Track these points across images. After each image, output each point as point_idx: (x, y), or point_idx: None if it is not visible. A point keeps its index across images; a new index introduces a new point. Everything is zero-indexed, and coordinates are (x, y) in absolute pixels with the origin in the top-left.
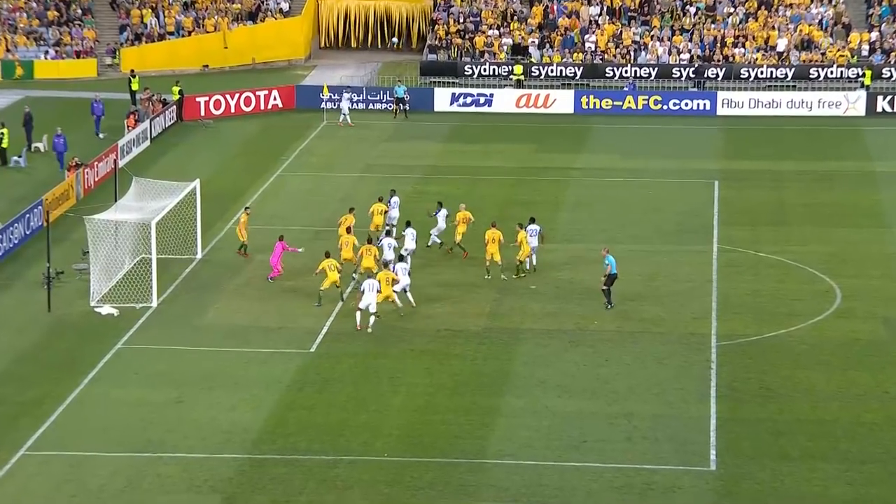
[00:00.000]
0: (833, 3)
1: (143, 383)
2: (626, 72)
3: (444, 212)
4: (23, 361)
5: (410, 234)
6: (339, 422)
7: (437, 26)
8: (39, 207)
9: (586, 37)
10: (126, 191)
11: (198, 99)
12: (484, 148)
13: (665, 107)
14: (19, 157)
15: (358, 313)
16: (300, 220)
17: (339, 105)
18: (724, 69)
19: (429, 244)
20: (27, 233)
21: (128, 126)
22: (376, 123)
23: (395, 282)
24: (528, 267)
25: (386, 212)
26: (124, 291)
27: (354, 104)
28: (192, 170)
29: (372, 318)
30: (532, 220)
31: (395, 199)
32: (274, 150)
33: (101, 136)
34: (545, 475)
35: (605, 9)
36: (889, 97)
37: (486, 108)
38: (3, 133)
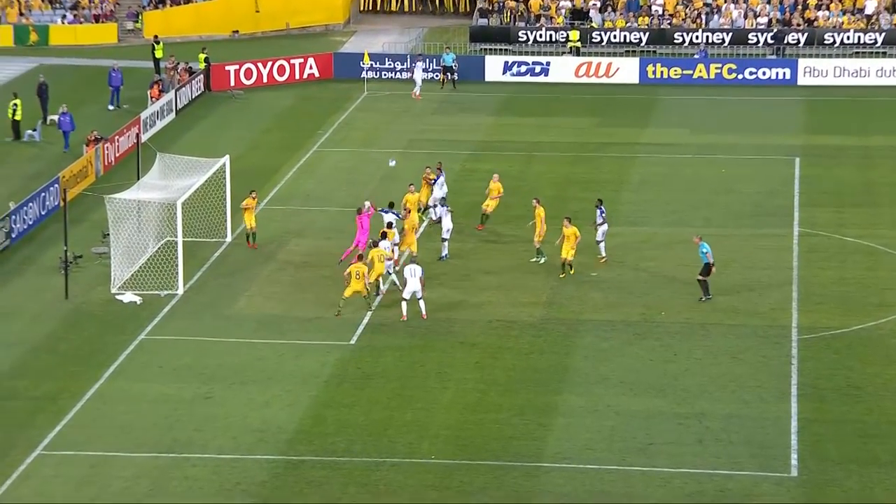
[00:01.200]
0: None
1: (168, 378)
2: (697, 37)
3: (441, 178)
4: (38, 353)
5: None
6: (381, 421)
7: None
8: (56, 185)
9: None
10: (149, 168)
11: (227, 68)
12: (539, 122)
13: (740, 76)
14: (34, 130)
15: (403, 304)
16: (338, 200)
17: (412, 75)
18: (805, 34)
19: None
20: (42, 213)
21: (151, 97)
22: (422, 94)
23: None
24: (567, 268)
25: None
26: (148, 277)
27: (427, 74)
28: (220, 145)
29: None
30: (600, 203)
31: (442, 178)
32: (310, 124)
33: (110, 107)
34: (608, 481)
35: None
36: None
37: (541, 78)
38: (16, 104)
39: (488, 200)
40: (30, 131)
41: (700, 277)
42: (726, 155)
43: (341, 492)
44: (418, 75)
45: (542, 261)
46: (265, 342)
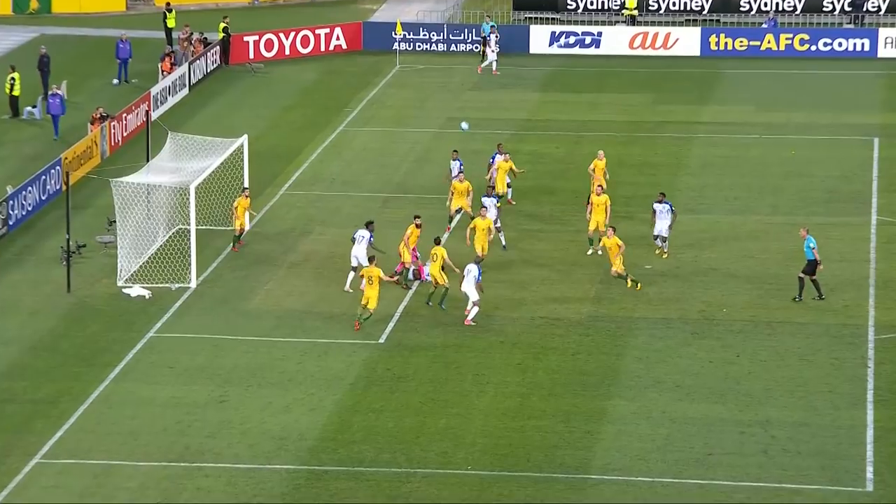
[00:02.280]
0: None
1: (179, 379)
2: (766, 4)
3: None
4: (37, 352)
5: (490, 202)
6: (412, 427)
7: None
8: (58, 168)
9: None
10: (160, 149)
11: (245, 39)
12: (589, 98)
13: (813, 48)
14: (34, 107)
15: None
16: (367, 184)
17: (483, 47)
18: (887, 1)
19: None
20: (43, 198)
21: (162, 71)
22: (459, 68)
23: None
24: (632, 283)
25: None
26: (158, 269)
27: (497, 47)
28: (238, 124)
29: (473, 308)
30: (662, 196)
31: (504, 156)
32: (336, 101)
33: (116, 82)
34: (662, 495)
35: None
36: None
37: (592, 50)
38: (13, 78)
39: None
40: (29, 108)
41: (801, 274)
42: (797, 135)
43: None
44: (491, 48)
45: (601, 252)
46: (286, 341)
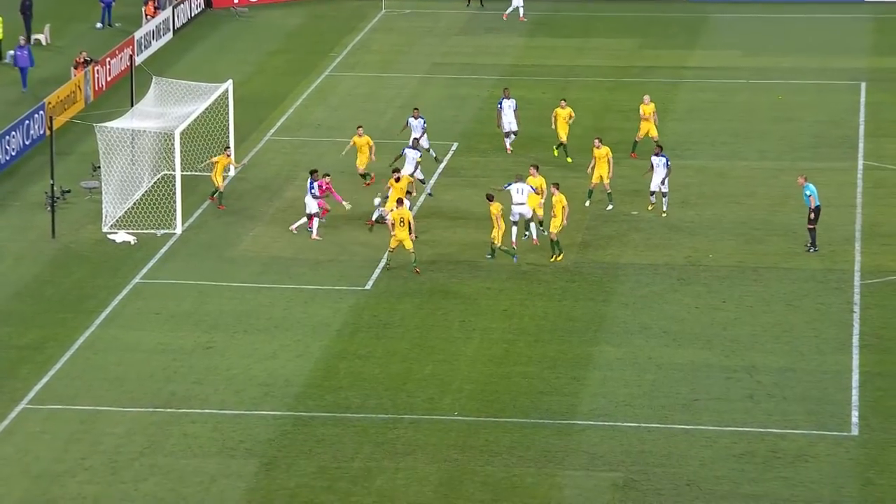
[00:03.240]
0: None
1: (165, 325)
2: None
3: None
4: (22, 298)
5: (413, 154)
6: (399, 374)
7: None
8: (41, 112)
9: None
10: (144, 94)
11: None
12: (577, 43)
13: None
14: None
15: (514, 228)
16: (352, 130)
17: None
18: None
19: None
20: (27, 143)
21: (146, 15)
22: (445, 13)
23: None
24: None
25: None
26: (143, 215)
27: None
28: (223, 69)
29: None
30: (660, 149)
31: (511, 101)
32: (321, 45)
33: (99, 26)
34: (648, 440)
35: None
36: None
37: None
38: None
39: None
40: (12, 52)
41: (810, 226)
42: (783, 80)
43: (355, 451)
44: None
45: (610, 208)
46: (271, 287)
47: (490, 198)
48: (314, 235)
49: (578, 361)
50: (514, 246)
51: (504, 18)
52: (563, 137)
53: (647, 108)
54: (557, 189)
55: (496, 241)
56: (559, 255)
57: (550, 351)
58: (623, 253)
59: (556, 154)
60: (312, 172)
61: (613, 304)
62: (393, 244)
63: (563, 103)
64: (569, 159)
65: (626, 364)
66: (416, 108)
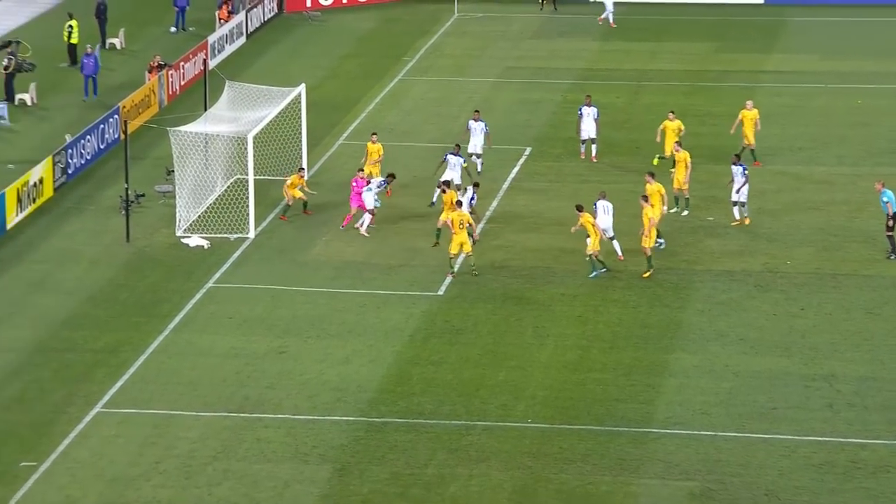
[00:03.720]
0: None
1: (238, 330)
2: None
3: (458, 160)
4: (97, 302)
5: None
6: (472, 380)
7: None
8: (116, 117)
9: None
10: (217, 98)
11: None
12: (650, 47)
13: None
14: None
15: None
16: (425, 134)
17: None
18: None
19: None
20: (101, 147)
21: (220, 19)
22: (518, 17)
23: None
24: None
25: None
26: (216, 219)
27: None
28: (295, 73)
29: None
30: (737, 158)
31: (593, 109)
32: (394, 49)
33: (173, 30)
34: (725, 449)
35: None
36: None
37: None
38: (71, 26)
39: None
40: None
41: (889, 233)
42: (862, 84)
43: (428, 458)
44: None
45: (685, 213)
46: (344, 292)
47: (580, 208)
48: (363, 230)
49: (654, 369)
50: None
51: (599, 22)
52: (670, 151)
53: (751, 114)
54: (646, 202)
55: (589, 250)
56: (649, 271)
57: (625, 358)
58: (699, 259)
59: (655, 163)
60: (389, 175)
61: (689, 310)
62: (454, 249)
63: (671, 115)
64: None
65: (702, 372)
66: (476, 111)
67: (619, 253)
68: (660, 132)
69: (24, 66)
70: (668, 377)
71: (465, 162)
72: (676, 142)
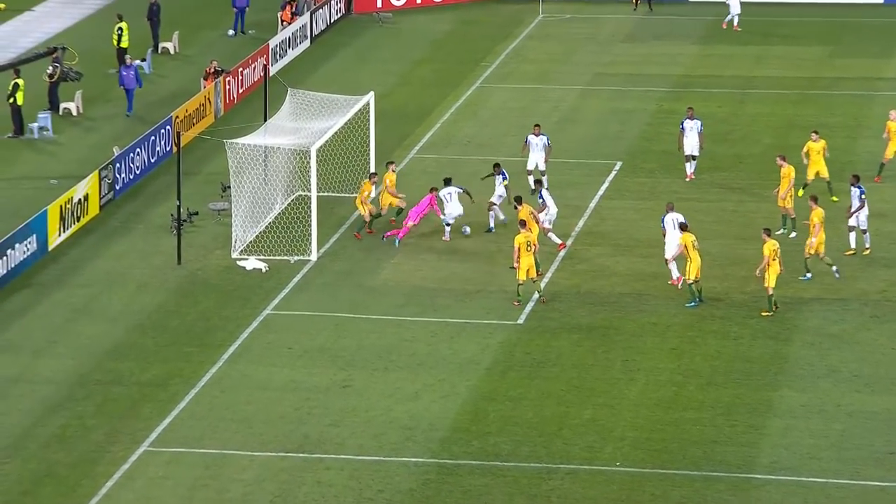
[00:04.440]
0: None
1: (297, 361)
2: None
3: (501, 177)
4: (145, 329)
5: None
6: (555, 418)
7: None
8: (168, 128)
9: None
10: (279, 107)
11: None
12: (756, 51)
13: None
14: (143, 60)
15: (672, 265)
16: (505, 147)
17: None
18: None
19: (490, 227)
20: (152, 161)
21: (282, 21)
22: (609, 18)
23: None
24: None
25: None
26: (275, 240)
27: None
28: (364, 79)
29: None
30: (856, 179)
31: (696, 122)
32: (472, 54)
33: (231, 33)
34: (836, 497)
35: None
36: None
37: None
38: (121, 28)
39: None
40: (138, 62)
41: None
42: None
43: (506, 503)
44: (735, 1)
45: (793, 235)
46: (414, 320)
47: (683, 227)
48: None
49: (757, 408)
50: (678, 283)
51: (723, 27)
52: (813, 175)
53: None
54: (769, 235)
55: (689, 276)
56: (770, 310)
57: (725, 395)
58: (808, 286)
59: (800, 194)
60: (447, 180)
61: (797, 343)
62: (521, 276)
63: (814, 136)
64: (834, 198)
65: (811, 411)
66: (536, 125)
67: (675, 275)
68: (804, 154)
69: (70, 74)
70: (772, 417)
71: (506, 181)
72: (780, 155)
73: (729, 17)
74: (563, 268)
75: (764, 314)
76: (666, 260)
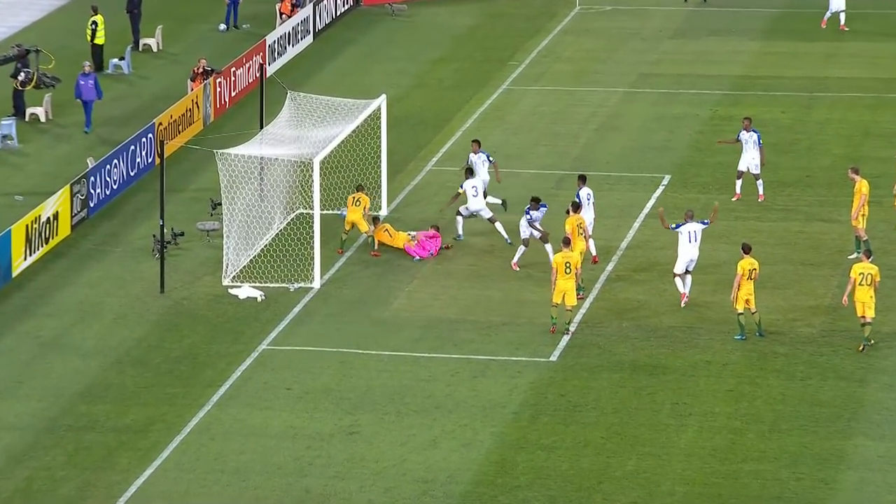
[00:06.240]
0: None
1: (298, 404)
2: None
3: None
4: (123, 367)
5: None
6: (593, 470)
7: None
8: (150, 135)
9: None
10: (277, 112)
11: None
12: (826, 48)
13: None
14: (121, 59)
15: (677, 280)
16: (537, 158)
17: None
18: None
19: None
20: (132, 174)
21: (281, 13)
22: (656, 10)
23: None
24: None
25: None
26: (273, 265)
27: None
28: (374, 81)
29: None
30: None
31: (753, 133)
32: (498, 52)
33: (222, 27)
34: None
35: None
36: None
37: None
38: (96, 23)
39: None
40: (115, 60)
41: None
42: None
43: None
44: None
45: (853, 257)
46: (432, 357)
47: (746, 249)
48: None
49: (827, 459)
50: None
51: (823, 26)
52: None
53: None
54: (869, 257)
55: (738, 307)
56: (866, 345)
57: (790, 444)
58: (886, 319)
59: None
60: (534, 200)
61: (873, 384)
62: (556, 299)
63: None
64: None
65: (889, 463)
66: (475, 141)
67: (686, 292)
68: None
69: (44, 80)
70: (845, 469)
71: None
72: (853, 167)
73: (828, 13)
74: (604, 296)
75: (861, 350)
76: (674, 274)
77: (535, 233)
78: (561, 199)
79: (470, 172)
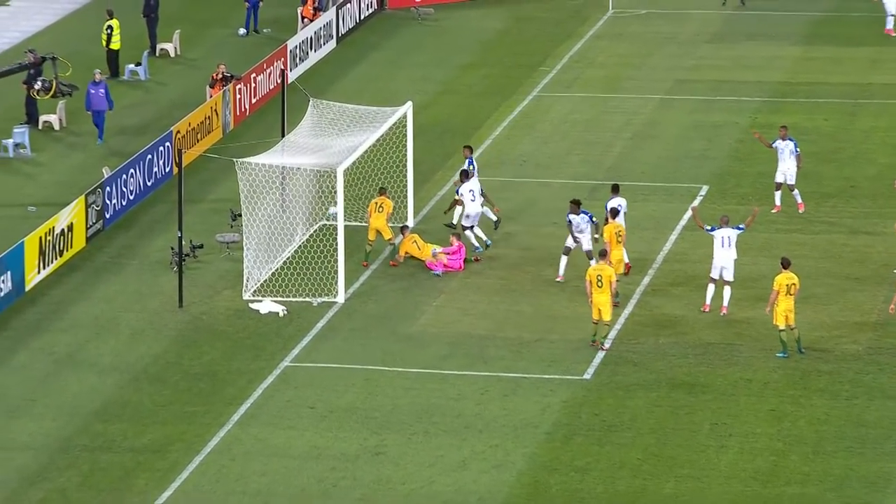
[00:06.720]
0: None
1: (321, 423)
2: None
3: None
4: (140, 385)
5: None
6: (629, 492)
7: None
8: (168, 144)
9: None
10: (299, 120)
11: None
12: (871, 53)
13: None
14: (138, 64)
15: (710, 286)
16: (569, 168)
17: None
18: None
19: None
20: (149, 184)
21: (303, 17)
22: (692, 14)
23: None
24: None
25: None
26: (295, 278)
27: None
28: (400, 88)
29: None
30: None
31: (789, 142)
32: (528, 57)
33: (242, 32)
34: None
35: None
36: None
37: None
38: (111, 27)
39: None
40: (132, 66)
41: None
42: None
43: None
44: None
45: None
46: (461, 374)
47: (785, 264)
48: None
49: (874, 482)
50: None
51: (887, 33)
52: None
53: None
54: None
55: (779, 323)
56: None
57: (835, 467)
58: None
59: None
60: (574, 203)
61: None
62: (595, 315)
63: None
64: None
65: None
66: (466, 147)
67: (725, 304)
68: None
69: (62, 89)
70: (893, 493)
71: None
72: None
73: (891, 17)
74: (639, 311)
75: None
76: (710, 278)
77: (584, 243)
78: (594, 210)
79: (465, 175)
